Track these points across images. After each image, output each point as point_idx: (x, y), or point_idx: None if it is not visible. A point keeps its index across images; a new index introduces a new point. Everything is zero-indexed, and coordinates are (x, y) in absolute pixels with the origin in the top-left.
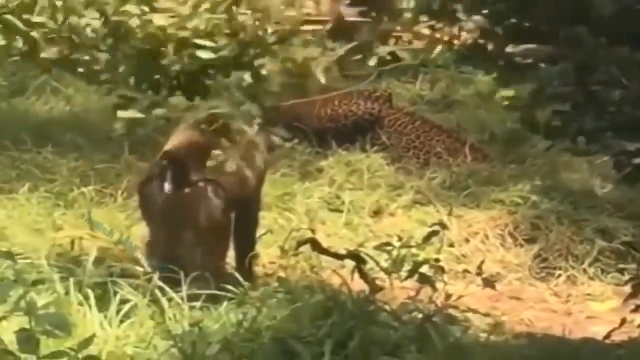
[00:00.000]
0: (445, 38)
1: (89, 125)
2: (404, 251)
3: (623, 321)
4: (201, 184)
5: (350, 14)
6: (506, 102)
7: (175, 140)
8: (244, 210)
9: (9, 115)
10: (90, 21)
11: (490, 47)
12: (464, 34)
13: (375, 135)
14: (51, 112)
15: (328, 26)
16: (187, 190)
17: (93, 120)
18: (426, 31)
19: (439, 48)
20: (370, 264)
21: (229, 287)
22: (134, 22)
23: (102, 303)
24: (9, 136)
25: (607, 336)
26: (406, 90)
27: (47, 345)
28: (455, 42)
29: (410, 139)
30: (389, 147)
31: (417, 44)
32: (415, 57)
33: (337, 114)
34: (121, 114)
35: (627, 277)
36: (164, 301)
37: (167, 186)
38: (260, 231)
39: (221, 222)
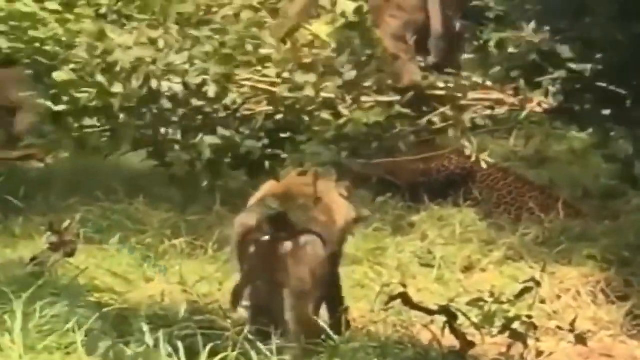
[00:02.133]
0: (533, 103)
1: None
2: (495, 307)
3: None
4: (303, 237)
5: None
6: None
7: (273, 189)
8: (333, 263)
9: (101, 166)
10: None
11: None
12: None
13: (468, 190)
14: (143, 163)
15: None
16: (288, 242)
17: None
18: (509, 97)
19: (524, 113)
20: (460, 319)
21: (320, 340)
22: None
23: (192, 355)
24: (101, 187)
25: None
26: (500, 146)
27: None
28: (541, 107)
29: (502, 194)
30: (481, 203)
31: (499, 110)
32: (504, 123)
33: (429, 168)
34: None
35: None
36: (253, 354)
37: (267, 237)
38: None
39: (320, 276)
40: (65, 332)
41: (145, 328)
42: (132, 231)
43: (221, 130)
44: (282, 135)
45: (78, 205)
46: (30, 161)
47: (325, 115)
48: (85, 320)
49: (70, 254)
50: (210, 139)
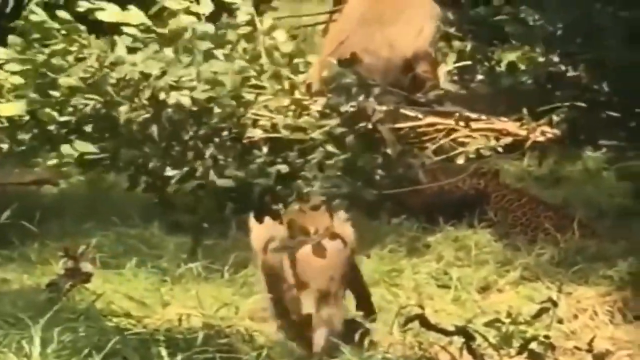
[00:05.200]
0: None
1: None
2: (512, 327)
3: None
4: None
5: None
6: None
7: None
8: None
9: (116, 190)
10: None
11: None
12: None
13: (482, 211)
14: None
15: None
16: (311, 246)
17: None
18: (512, 127)
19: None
20: (478, 340)
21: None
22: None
23: None
24: (116, 212)
25: None
26: (513, 166)
27: None
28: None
29: (517, 215)
30: (496, 224)
31: (503, 140)
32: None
33: (442, 189)
34: None
35: None
36: None
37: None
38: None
39: (342, 279)
40: (83, 357)
41: (164, 352)
42: (148, 255)
43: (230, 171)
44: (286, 170)
45: (94, 229)
46: (44, 185)
47: (331, 148)
48: (103, 344)
49: (87, 280)
50: (222, 182)
